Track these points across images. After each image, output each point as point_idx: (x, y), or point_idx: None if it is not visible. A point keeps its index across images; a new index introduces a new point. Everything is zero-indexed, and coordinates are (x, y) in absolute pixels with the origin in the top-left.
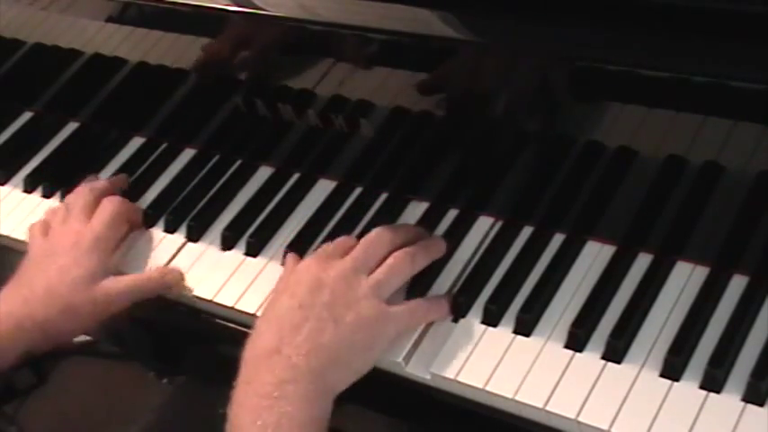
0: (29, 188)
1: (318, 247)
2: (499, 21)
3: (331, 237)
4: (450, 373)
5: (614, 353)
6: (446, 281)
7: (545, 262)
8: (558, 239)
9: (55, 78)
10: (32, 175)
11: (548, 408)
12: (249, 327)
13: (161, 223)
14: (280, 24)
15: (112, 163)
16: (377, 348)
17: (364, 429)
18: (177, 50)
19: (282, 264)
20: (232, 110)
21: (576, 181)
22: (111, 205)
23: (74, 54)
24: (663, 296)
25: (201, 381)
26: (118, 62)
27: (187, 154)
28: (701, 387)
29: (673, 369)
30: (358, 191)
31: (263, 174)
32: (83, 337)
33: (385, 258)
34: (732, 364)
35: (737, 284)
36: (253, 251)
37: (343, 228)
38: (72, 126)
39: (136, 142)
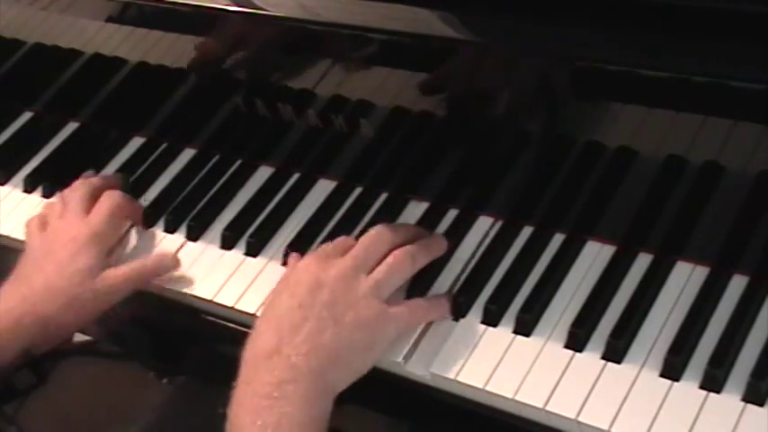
0: (29, 188)
1: (318, 246)
2: (499, 21)
3: (331, 237)
4: (450, 372)
5: (614, 353)
6: (446, 280)
7: (545, 262)
8: (558, 239)
9: (55, 78)
10: (32, 175)
11: (548, 408)
12: (249, 327)
13: (161, 223)
14: (280, 24)
15: (112, 163)
16: (377, 348)
17: (364, 429)
18: (177, 50)
19: (283, 264)
20: (232, 110)
21: (576, 181)
22: (109, 200)
23: (74, 54)
24: (663, 296)
25: (201, 381)
26: (118, 62)
27: (187, 154)
28: (701, 387)
29: (673, 369)
30: (358, 191)
31: (263, 174)
32: (83, 337)
33: (385, 257)
34: (732, 364)
35: (737, 284)
36: (253, 251)
37: (343, 228)
38: (72, 126)
39: (136, 142)
